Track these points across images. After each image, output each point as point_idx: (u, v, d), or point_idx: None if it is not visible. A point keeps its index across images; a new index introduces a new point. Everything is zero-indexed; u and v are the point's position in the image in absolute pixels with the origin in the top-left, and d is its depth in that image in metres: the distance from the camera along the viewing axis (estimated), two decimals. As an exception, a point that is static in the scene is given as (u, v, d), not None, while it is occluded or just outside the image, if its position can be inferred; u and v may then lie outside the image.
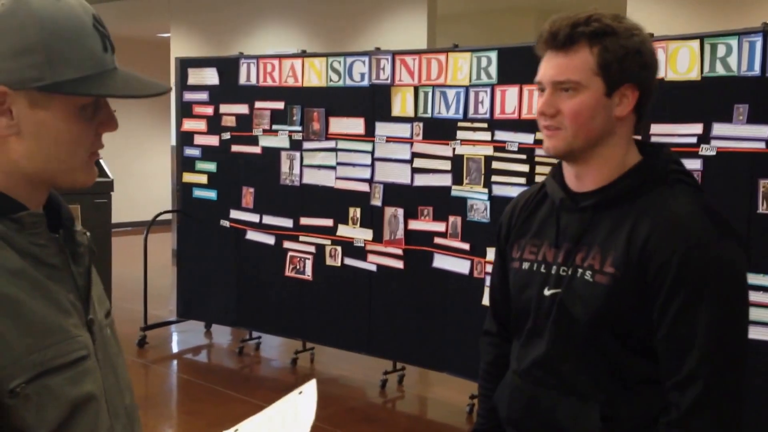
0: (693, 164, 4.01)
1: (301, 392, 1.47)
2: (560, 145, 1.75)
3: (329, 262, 5.78)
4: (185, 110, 6.55)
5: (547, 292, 1.81)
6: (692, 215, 1.69)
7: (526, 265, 1.88)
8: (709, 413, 1.64)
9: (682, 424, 1.65)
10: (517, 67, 4.75)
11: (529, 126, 4.66)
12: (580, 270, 1.75)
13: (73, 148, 1.19)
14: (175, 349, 7.03)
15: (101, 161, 7.61)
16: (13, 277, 1.12)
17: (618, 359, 1.74)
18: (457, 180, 5.07)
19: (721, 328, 1.65)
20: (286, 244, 6.00)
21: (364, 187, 5.56)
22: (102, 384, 1.23)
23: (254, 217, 6.18)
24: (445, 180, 5.14)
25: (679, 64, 4.10)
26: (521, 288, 1.89)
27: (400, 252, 5.39)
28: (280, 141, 5.99)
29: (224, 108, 6.30)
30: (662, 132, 4.11)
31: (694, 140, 4.03)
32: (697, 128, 4.03)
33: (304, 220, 5.89)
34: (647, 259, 1.67)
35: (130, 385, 1.36)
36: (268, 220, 6.10)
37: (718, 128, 3.97)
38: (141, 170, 13.31)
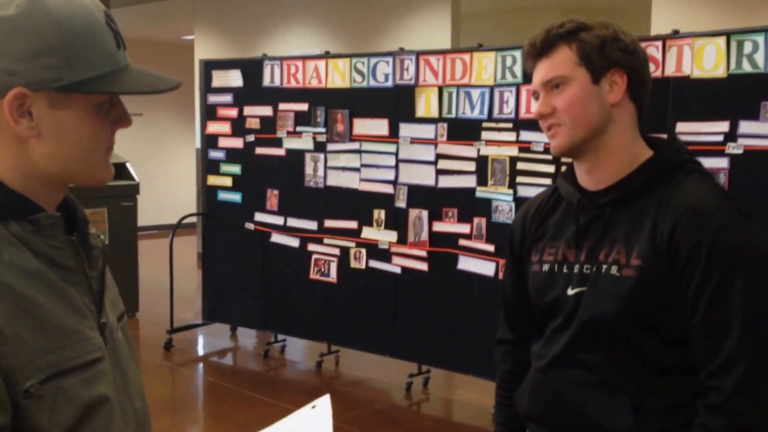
0: (720, 162, 3.97)
1: (314, 407, 1.46)
2: (563, 142, 1.79)
3: (354, 264, 5.76)
4: (209, 113, 6.55)
5: (570, 292, 1.82)
6: (715, 201, 1.73)
7: (546, 267, 1.89)
8: (751, 394, 1.64)
9: (725, 408, 1.65)
10: (541, 66, 4.70)
11: (554, 126, 4.62)
12: (605, 266, 1.77)
13: (92, 146, 1.19)
14: (201, 351, 7.04)
15: (127, 165, 7.66)
16: (30, 279, 1.13)
17: (647, 350, 1.74)
18: (482, 181, 5.04)
19: (756, 308, 1.66)
20: (311, 247, 5.99)
21: (388, 189, 5.54)
22: (115, 387, 1.24)
23: (279, 220, 6.17)
24: (470, 181, 5.10)
25: (705, 61, 4.05)
26: (543, 290, 1.90)
27: (424, 254, 5.37)
28: (304, 143, 5.97)
29: (248, 110, 6.29)
30: (688, 130, 4.06)
31: (720, 138, 3.99)
32: (724, 126, 3.98)
33: (329, 223, 5.87)
34: (675, 247, 1.69)
35: (141, 390, 1.36)
36: (292, 222, 6.09)
37: (745, 126, 3.91)
38: (167, 174, 13.36)
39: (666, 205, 1.73)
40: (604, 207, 1.80)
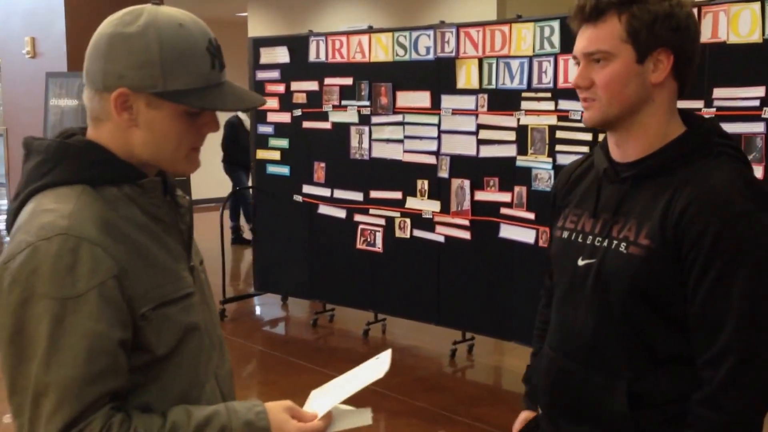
0: (756, 127, 3.99)
1: (378, 358, 1.69)
2: (596, 116, 1.76)
3: (399, 234, 5.87)
4: (258, 89, 6.68)
5: (581, 262, 1.81)
6: (731, 187, 1.65)
7: (565, 234, 1.89)
8: (742, 389, 1.62)
9: (713, 401, 1.64)
10: (579, 35, 4.74)
11: (593, 94, 4.66)
12: (615, 241, 1.75)
13: (177, 143, 1.50)
14: (253, 321, 7.24)
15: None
16: (140, 229, 1.48)
17: (651, 334, 1.72)
18: (522, 150, 5.10)
19: (756, 302, 1.62)
20: (357, 217, 6.12)
21: (431, 160, 5.63)
22: (203, 317, 1.59)
23: (326, 192, 6.31)
24: (510, 150, 5.17)
25: (740, 26, 4.05)
26: (558, 257, 1.92)
27: (467, 223, 5.45)
28: (350, 116, 6.09)
29: (295, 85, 6.43)
30: (724, 96, 4.08)
31: (756, 103, 4.00)
32: (760, 91, 3.99)
33: (374, 194, 5.99)
34: (683, 231, 1.65)
35: (218, 320, 1.73)
36: (339, 194, 6.23)
37: (781, 90, 3.91)
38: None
39: (683, 186, 1.68)
40: (625, 181, 1.78)
